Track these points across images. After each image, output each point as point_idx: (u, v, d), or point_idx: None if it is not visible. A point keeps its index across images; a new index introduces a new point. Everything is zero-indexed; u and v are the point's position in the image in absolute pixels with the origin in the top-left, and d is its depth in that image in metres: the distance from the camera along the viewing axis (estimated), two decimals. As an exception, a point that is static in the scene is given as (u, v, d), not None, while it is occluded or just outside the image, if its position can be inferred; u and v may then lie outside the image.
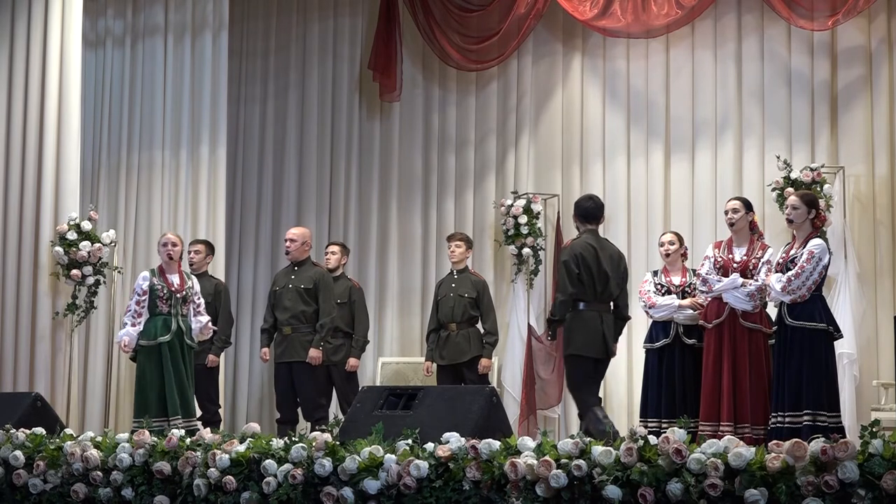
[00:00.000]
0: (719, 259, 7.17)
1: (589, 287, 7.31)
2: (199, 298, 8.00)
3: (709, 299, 7.22)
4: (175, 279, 7.86)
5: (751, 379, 6.96)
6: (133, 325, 7.70)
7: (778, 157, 8.95)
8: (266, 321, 8.48)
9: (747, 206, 7.28)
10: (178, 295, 7.79)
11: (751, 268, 7.07)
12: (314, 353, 8.19)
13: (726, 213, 7.28)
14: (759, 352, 7.00)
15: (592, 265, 7.31)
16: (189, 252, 8.91)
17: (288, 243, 8.48)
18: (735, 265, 7.10)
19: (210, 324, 8.06)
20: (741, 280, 7.02)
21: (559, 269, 7.45)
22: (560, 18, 10.29)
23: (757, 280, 6.99)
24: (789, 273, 6.70)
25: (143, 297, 7.74)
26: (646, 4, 9.57)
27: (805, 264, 6.67)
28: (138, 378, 7.71)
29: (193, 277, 8.12)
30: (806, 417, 6.57)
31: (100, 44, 10.01)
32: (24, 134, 9.08)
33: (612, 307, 7.46)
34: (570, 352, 7.40)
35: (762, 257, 7.05)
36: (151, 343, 7.64)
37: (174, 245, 7.91)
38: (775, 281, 6.75)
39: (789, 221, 6.88)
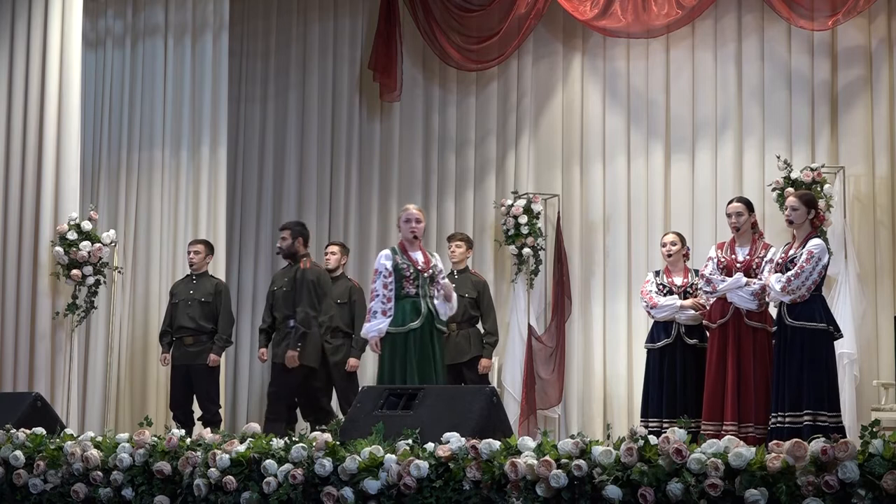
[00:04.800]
0: (722, 259, 7.18)
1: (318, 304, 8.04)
2: (443, 278, 7.18)
3: (712, 300, 7.22)
4: (419, 257, 7.08)
5: (755, 378, 6.97)
6: (384, 312, 6.87)
7: (778, 157, 8.95)
8: (264, 321, 8.44)
9: (749, 207, 7.29)
10: (426, 274, 7.00)
11: (754, 267, 7.09)
12: None
13: (729, 216, 7.28)
14: (763, 351, 7.02)
15: (325, 285, 8.14)
16: (189, 252, 8.92)
17: (286, 244, 8.47)
18: (738, 265, 7.11)
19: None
20: (745, 279, 7.03)
21: (308, 287, 7.96)
22: (560, 18, 10.29)
23: (761, 279, 6.99)
24: (789, 273, 6.72)
25: (391, 279, 6.91)
26: (646, 4, 9.57)
27: (805, 264, 6.68)
28: (381, 369, 6.97)
29: (437, 255, 7.32)
30: (806, 417, 6.58)
31: (100, 44, 10.01)
32: (24, 134, 9.08)
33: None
34: (301, 361, 7.94)
35: (765, 256, 7.06)
36: (400, 330, 6.87)
37: (418, 222, 7.09)
38: (775, 281, 6.77)
39: (789, 222, 6.91)
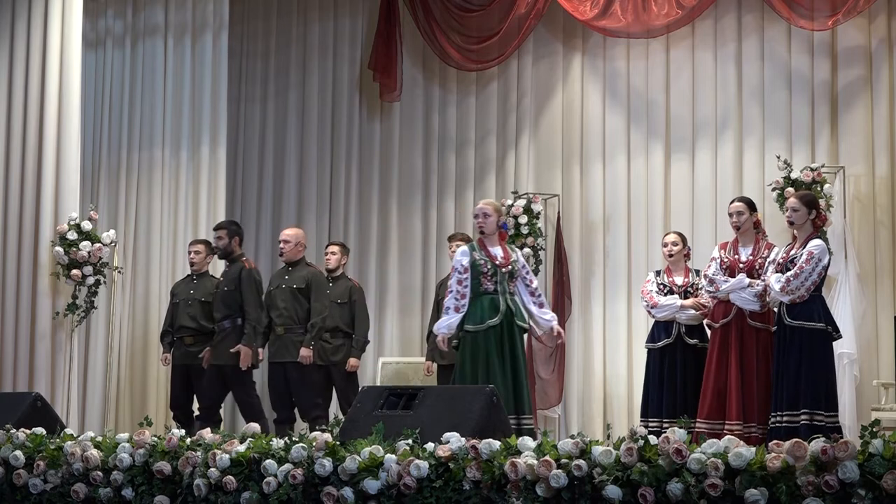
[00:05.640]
0: (725, 260, 7.18)
1: None
2: (528, 274, 7.02)
3: (716, 300, 7.21)
4: (498, 252, 6.90)
5: (758, 378, 6.96)
6: (457, 308, 6.75)
7: (778, 157, 8.95)
8: (261, 322, 8.48)
9: (751, 206, 7.28)
10: (504, 270, 6.84)
11: (757, 267, 7.08)
12: (304, 353, 8.19)
13: (731, 215, 7.28)
14: (766, 351, 7.01)
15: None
16: (189, 252, 8.92)
17: (282, 244, 8.49)
18: (741, 265, 7.11)
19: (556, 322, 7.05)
20: (748, 280, 7.03)
21: (257, 287, 8.12)
22: (560, 18, 10.29)
23: (764, 279, 6.99)
24: (788, 273, 6.72)
25: (466, 276, 6.77)
26: (646, 4, 9.57)
27: (804, 265, 6.69)
28: (460, 368, 6.82)
29: (517, 250, 7.21)
30: (803, 417, 6.59)
31: (100, 44, 10.01)
32: (24, 134, 9.08)
33: None
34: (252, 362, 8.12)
35: (768, 256, 7.06)
36: (479, 328, 6.74)
37: (485, 216, 6.94)
38: (774, 281, 6.77)
39: (790, 223, 6.91)
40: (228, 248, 8.32)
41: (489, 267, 6.82)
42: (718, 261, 7.20)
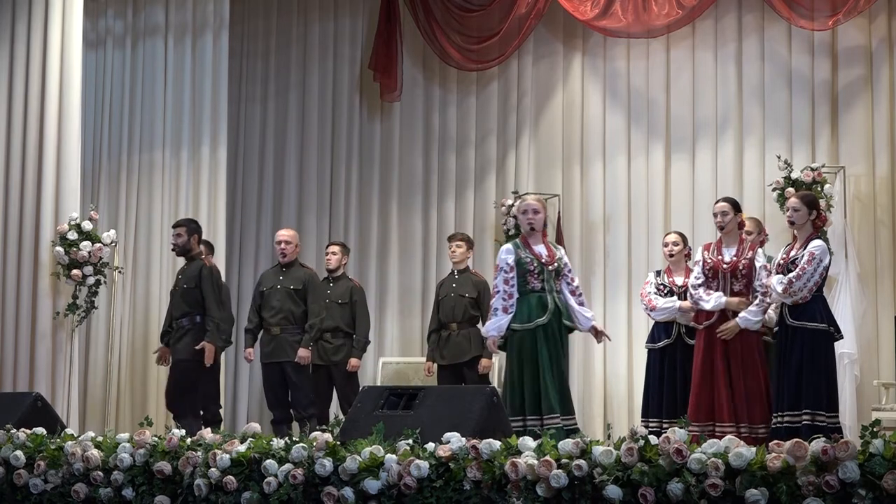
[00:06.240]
0: (709, 261, 7.15)
1: None
2: (570, 272, 6.87)
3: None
4: (542, 250, 6.77)
5: (745, 378, 6.94)
6: (506, 309, 6.61)
7: (779, 157, 8.95)
8: (251, 321, 8.46)
9: (735, 207, 7.26)
10: (550, 268, 6.70)
11: (740, 268, 7.04)
12: (303, 353, 8.19)
13: (715, 215, 7.25)
14: (751, 351, 6.97)
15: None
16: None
17: (283, 245, 8.47)
18: (724, 266, 7.08)
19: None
20: (725, 299, 6.97)
21: (215, 288, 8.03)
22: (560, 18, 10.29)
23: (760, 286, 6.95)
24: (790, 275, 6.72)
25: (512, 274, 6.64)
26: (646, 4, 9.58)
27: (806, 266, 6.69)
28: (509, 370, 6.72)
29: (561, 248, 7.10)
30: (805, 417, 6.59)
31: (100, 44, 10.02)
32: (24, 134, 9.07)
33: None
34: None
35: (752, 257, 7.03)
36: (527, 327, 6.62)
37: (535, 213, 6.79)
38: (777, 283, 6.77)
39: (791, 223, 6.91)
40: (187, 246, 8.23)
41: (535, 265, 6.70)
42: (702, 263, 7.17)
